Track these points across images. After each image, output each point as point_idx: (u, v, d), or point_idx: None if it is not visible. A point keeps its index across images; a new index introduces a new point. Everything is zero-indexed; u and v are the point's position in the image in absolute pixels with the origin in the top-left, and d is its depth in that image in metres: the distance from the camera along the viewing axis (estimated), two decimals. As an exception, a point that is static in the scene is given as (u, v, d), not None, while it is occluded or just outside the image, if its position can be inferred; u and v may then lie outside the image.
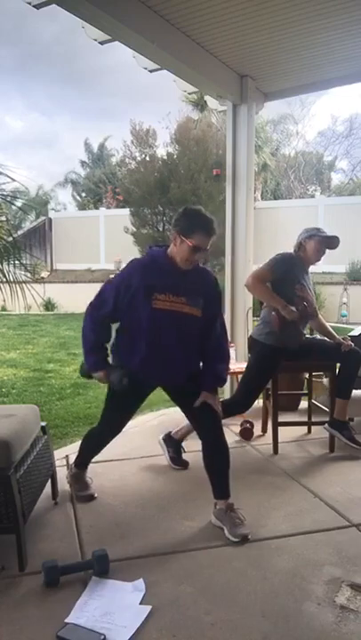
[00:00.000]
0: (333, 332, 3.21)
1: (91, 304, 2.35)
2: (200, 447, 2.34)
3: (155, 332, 2.24)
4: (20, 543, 1.96)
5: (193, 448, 3.10)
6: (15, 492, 1.94)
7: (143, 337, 2.25)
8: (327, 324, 3.27)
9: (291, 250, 3.12)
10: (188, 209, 2.23)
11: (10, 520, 1.95)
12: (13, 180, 3.54)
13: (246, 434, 3.46)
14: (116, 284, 2.27)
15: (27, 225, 17.64)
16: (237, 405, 3.11)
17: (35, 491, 2.21)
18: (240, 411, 3.16)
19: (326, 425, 3.15)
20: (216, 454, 2.30)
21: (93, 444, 2.63)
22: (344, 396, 3.10)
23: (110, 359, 2.38)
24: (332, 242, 3.04)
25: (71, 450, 3.26)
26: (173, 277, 2.24)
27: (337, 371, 3.14)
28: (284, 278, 2.98)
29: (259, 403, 3.89)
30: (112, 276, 2.43)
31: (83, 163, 24.30)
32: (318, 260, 3.08)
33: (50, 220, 17.72)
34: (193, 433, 2.82)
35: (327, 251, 3.08)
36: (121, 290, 2.24)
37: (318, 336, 3.28)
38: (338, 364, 3.14)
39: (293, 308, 2.89)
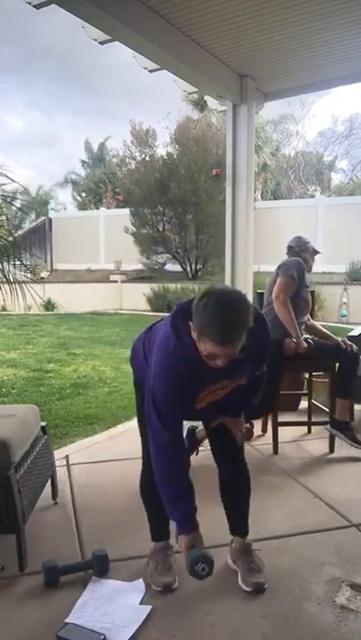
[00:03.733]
0: (328, 333, 3.27)
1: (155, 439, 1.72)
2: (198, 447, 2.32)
3: (204, 417, 1.97)
4: (19, 543, 1.96)
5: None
6: (15, 492, 1.94)
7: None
8: (320, 326, 3.34)
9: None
10: (207, 293, 1.51)
11: (10, 520, 1.95)
12: (13, 180, 3.54)
13: (246, 434, 3.45)
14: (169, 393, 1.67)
15: (27, 225, 17.64)
16: (350, 358, 3.10)
17: (35, 491, 2.21)
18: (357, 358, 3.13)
19: (328, 425, 3.15)
20: (230, 479, 2.01)
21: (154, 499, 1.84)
22: (344, 396, 3.11)
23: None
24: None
25: (71, 450, 3.28)
26: (211, 369, 1.60)
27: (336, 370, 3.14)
28: (300, 284, 3.15)
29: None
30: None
31: (83, 162, 24.31)
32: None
33: (50, 220, 17.73)
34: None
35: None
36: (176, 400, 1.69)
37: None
38: (337, 365, 3.15)
39: (305, 344, 3.04)
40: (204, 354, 1.54)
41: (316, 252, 3.37)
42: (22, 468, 2.08)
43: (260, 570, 1.91)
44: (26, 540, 1.99)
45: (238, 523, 2.01)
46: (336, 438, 3.14)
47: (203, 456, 2.93)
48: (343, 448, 3.14)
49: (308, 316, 3.33)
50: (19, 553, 1.97)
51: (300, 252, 3.27)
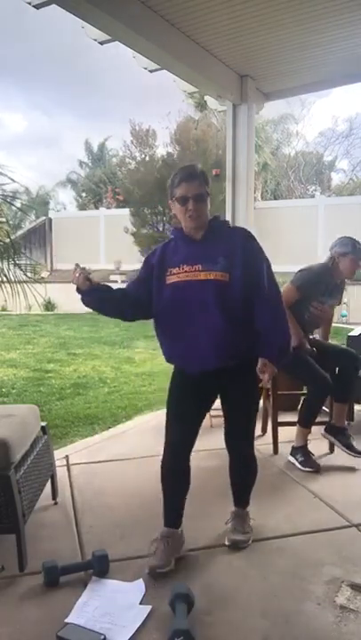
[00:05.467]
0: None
1: None
2: (198, 447, 2.32)
3: (177, 311, 1.98)
4: (19, 543, 1.96)
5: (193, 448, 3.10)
6: (15, 492, 1.94)
7: (169, 320, 2.02)
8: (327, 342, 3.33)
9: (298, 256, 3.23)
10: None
11: (10, 520, 1.95)
12: (13, 180, 3.54)
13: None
14: (144, 262, 2.15)
15: (27, 225, 17.65)
16: (318, 392, 2.96)
17: (35, 491, 2.21)
18: (325, 394, 2.99)
19: (323, 431, 3.13)
20: (236, 462, 2.18)
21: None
22: (342, 400, 3.08)
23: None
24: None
25: (71, 450, 3.27)
26: (189, 248, 2.01)
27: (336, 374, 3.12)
28: (307, 296, 3.02)
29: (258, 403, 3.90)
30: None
31: (82, 163, 24.30)
32: (352, 276, 3.07)
33: (50, 219, 17.73)
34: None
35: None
36: (146, 268, 2.10)
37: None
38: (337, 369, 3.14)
39: (308, 346, 3.00)
40: (179, 201, 1.97)
41: (356, 261, 2.98)
42: (22, 467, 2.08)
43: (244, 532, 2.16)
44: (26, 540, 1.99)
45: (237, 496, 2.22)
46: (336, 439, 3.13)
47: (204, 456, 2.93)
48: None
49: (318, 334, 3.27)
50: (19, 553, 1.97)
51: (338, 257, 3.00)
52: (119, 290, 2.17)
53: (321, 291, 3.04)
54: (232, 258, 1.94)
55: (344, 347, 3.28)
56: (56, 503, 2.53)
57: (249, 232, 2.09)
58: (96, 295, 2.08)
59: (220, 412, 2.15)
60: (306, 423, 3.03)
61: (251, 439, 2.15)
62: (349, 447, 2.98)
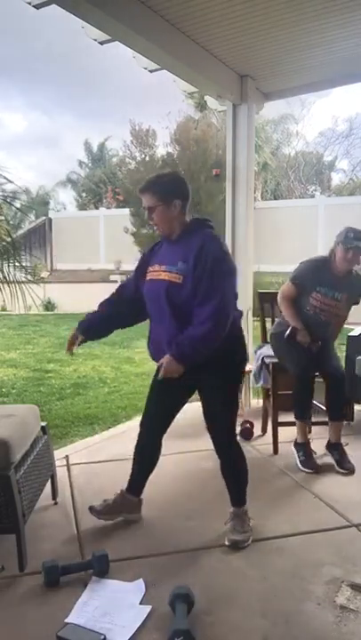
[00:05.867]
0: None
1: None
2: (199, 447, 2.33)
3: (150, 309, 2.18)
4: (19, 543, 1.97)
5: (193, 448, 3.11)
6: (15, 492, 1.94)
7: (149, 317, 2.23)
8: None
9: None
10: None
11: (10, 520, 1.95)
12: (10, 181, 3.55)
13: (246, 434, 3.45)
14: (140, 257, 2.33)
15: (26, 225, 17.64)
16: (296, 379, 2.98)
17: (35, 491, 2.21)
18: (303, 383, 2.97)
19: (325, 446, 3.11)
20: (221, 462, 2.23)
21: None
22: (334, 419, 3.07)
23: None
24: (354, 250, 2.91)
25: (71, 450, 3.28)
26: (165, 249, 2.18)
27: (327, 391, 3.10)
28: (304, 288, 3.03)
29: (259, 403, 3.90)
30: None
31: (82, 163, 24.29)
32: (349, 267, 2.99)
33: (50, 219, 17.71)
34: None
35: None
36: (141, 262, 2.28)
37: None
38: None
39: (309, 339, 2.98)
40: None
41: (351, 250, 2.90)
42: (22, 467, 2.08)
43: (243, 531, 2.17)
44: (26, 540, 1.99)
45: (231, 495, 2.25)
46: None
47: (204, 456, 2.94)
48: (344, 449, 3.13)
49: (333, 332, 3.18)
50: (19, 553, 1.97)
51: (335, 247, 2.98)
52: (108, 302, 2.33)
53: (318, 281, 3.00)
54: (188, 263, 2.01)
55: (335, 367, 3.08)
56: (56, 503, 2.53)
57: (207, 240, 2.03)
58: (93, 332, 2.32)
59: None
60: (296, 414, 3.05)
61: (229, 436, 2.20)
62: (338, 463, 2.96)
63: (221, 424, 2.18)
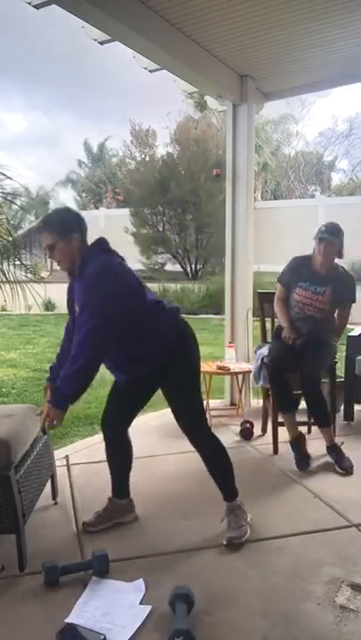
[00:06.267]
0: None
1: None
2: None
3: None
4: (19, 543, 1.96)
5: (192, 448, 3.10)
6: (15, 492, 1.94)
7: None
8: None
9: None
10: None
11: (10, 520, 1.95)
12: (10, 178, 3.54)
13: (246, 434, 3.46)
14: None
15: (27, 225, 17.63)
16: (270, 367, 3.08)
17: (35, 491, 2.21)
18: (274, 372, 3.05)
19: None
20: (200, 455, 2.24)
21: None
22: (320, 425, 3.08)
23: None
24: (324, 241, 3.05)
25: (71, 450, 3.27)
26: (76, 285, 2.12)
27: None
28: (290, 286, 3.18)
29: (259, 403, 3.90)
30: None
31: (82, 163, 24.31)
32: (326, 261, 3.08)
33: (50, 219, 17.69)
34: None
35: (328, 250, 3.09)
36: (68, 305, 2.29)
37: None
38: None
39: (294, 335, 3.06)
40: None
41: (321, 241, 3.05)
42: (22, 468, 2.08)
43: (238, 527, 2.16)
44: (26, 540, 1.99)
45: (220, 488, 2.24)
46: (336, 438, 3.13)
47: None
48: (343, 449, 3.13)
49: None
50: (19, 553, 1.97)
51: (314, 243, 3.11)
52: (63, 350, 2.31)
53: (299, 277, 3.13)
54: (82, 288, 2.02)
55: (311, 368, 3.01)
56: (56, 503, 2.53)
57: (90, 268, 2.00)
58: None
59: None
60: (277, 407, 3.12)
61: (199, 428, 2.21)
62: (337, 463, 2.96)
63: (187, 416, 2.20)
